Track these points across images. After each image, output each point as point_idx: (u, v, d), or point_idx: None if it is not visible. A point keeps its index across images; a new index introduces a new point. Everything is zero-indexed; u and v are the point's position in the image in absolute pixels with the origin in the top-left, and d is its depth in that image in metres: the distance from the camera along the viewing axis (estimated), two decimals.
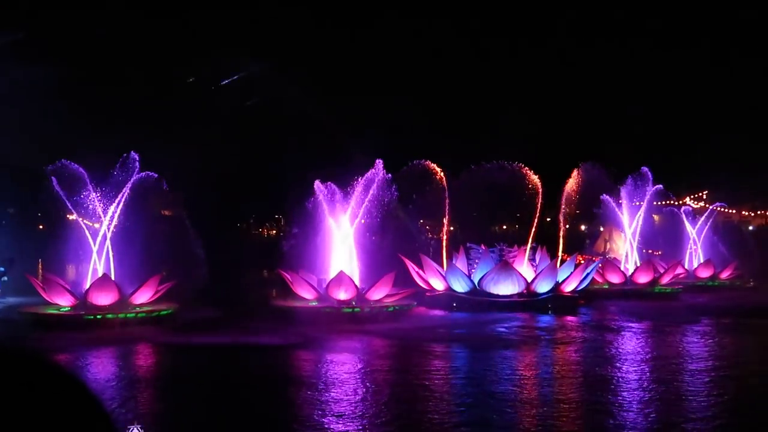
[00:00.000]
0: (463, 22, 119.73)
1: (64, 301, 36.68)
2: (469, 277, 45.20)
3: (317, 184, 43.00)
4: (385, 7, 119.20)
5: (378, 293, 40.23)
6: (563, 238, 50.34)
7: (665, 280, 52.50)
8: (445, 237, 48.81)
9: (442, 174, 48.05)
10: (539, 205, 49.43)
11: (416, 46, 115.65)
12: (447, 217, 48.89)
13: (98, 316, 35.10)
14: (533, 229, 48.45)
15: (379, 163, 43.06)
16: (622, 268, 53.93)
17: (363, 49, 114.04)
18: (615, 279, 51.98)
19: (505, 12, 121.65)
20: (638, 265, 53.98)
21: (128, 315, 36.01)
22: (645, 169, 56.35)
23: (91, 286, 36.73)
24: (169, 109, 73.08)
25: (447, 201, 48.12)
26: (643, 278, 51.93)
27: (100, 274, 37.91)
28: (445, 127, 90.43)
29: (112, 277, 38.18)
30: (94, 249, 39.36)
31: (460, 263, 46.74)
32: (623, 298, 48.12)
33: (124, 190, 39.55)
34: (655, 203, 62.00)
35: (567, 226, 51.93)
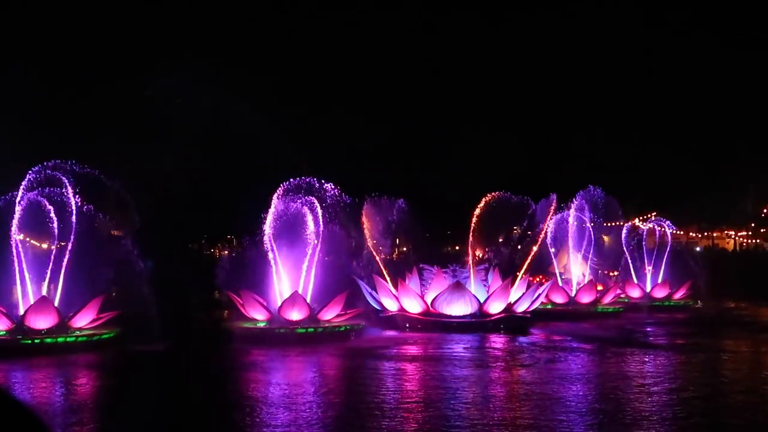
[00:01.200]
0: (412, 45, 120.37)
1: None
2: (422, 297, 45.17)
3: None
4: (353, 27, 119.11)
5: (330, 313, 40.09)
6: (532, 258, 50.84)
7: (607, 300, 54.08)
8: (378, 260, 48.37)
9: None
10: (471, 227, 49.77)
11: (372, 68, 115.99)
12: (369, 240, 48.51)
13: (36, 341, 33.62)
14: (470, 250, 48.85)
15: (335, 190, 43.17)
16: (575, 288, 54.78)
17: (326, 67, 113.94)
18: (559, 299, 52.95)
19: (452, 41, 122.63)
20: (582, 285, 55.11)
21: (68, 339, 34.47)
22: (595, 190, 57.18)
23: (28, 308, 34.94)
24: (118, 126, 71.99)
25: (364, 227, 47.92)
26: (585, 298, 53.39)
27: (40, 295, 36.17)
28: (401, 147, 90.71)
29: (56, 300, 36.46)
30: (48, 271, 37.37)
31: (413, 284, 46.68)
32: (567, 318, 49.29)
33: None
34: (606, 224, 62.99)
35: (520, 247, 52.50)
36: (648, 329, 46.69)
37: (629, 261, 63.02)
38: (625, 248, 63.32)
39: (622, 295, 59.65)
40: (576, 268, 57.34)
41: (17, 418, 1.94)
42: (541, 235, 52.74)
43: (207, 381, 28.20)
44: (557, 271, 56.79)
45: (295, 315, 39.18)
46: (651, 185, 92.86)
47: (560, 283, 54.73)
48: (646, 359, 34.46)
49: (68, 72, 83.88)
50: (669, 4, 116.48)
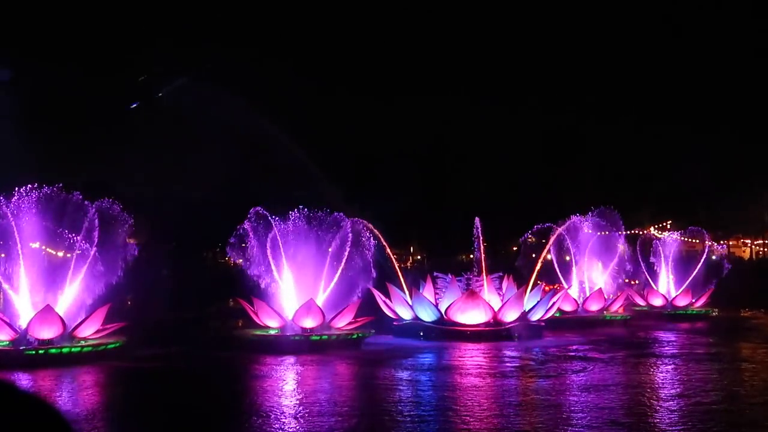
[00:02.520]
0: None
1: (3, 335, 33.84)
2: (436, 306, 45.04)
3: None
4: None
5: (343, 321, 40.13)
6: (540, 266, 50.71)
7: (614, 307, 54.38)
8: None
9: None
10: (479, 235, 49.50)
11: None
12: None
13: (40, 351, 32.99)
14: (482, 257, 48.62)
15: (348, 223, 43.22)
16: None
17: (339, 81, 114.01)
18: (567, 307, 52.96)
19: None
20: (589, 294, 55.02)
21: (73, 349, 33.80)
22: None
23: (32, 318, 34.07)
24: (135, 134, 72.18)
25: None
26: (593, 306, 53.56)
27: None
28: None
29: (62, 309, 35.55)
30: (69, 278, 36.60)
31: (427, 292, 46.58)
32: (576, 326, 49.18)
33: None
34: (623, 232, 62.54)
35: (534, 255, 52.36)
36: (659, 337, 46.50)
37: (657, 269, 62.76)
38: (654, 257, 63.09)
39: (643, 304, 59.55)
40: (595, 276, 57.18)
41: (41, 417, 1.93)
42: (548, 248, 52.80)
43: (221, 390, 28.13)
44: (576, 280, 56.56)
45: (309, 322, 39.24)
46: (666, 194, 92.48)
47: (574, 293, 54.59)
48: (662, 367, 34.14)
49: (76, 71, 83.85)
50: (696, 16, 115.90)
